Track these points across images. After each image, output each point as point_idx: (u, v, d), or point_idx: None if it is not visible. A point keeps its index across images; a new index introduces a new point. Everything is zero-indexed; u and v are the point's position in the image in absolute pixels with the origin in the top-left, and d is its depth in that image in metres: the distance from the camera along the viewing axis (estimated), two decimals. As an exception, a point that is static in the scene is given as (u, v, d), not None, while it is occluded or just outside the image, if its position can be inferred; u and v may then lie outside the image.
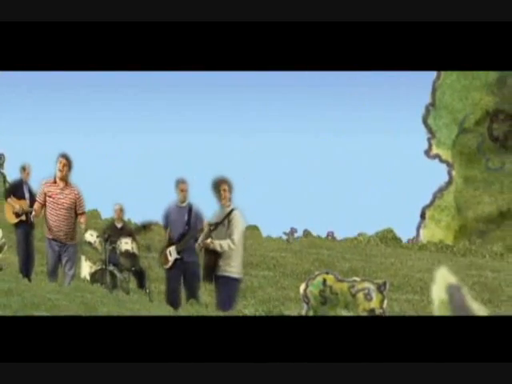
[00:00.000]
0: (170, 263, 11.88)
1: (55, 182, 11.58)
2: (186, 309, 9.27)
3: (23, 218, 13.30)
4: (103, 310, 9.79)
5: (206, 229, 10.81)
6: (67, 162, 11.47)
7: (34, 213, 11.95)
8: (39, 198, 11.76)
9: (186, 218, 11.80)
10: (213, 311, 9.12)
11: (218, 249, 10.33)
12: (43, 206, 11.64)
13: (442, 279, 1.40)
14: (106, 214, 17.09)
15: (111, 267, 12.64)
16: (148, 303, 10.03)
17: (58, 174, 11.51)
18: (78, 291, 10.60)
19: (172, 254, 11.85)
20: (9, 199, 13.62)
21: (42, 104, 54.98)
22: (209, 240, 10.39)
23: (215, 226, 10.55)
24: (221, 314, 8.49)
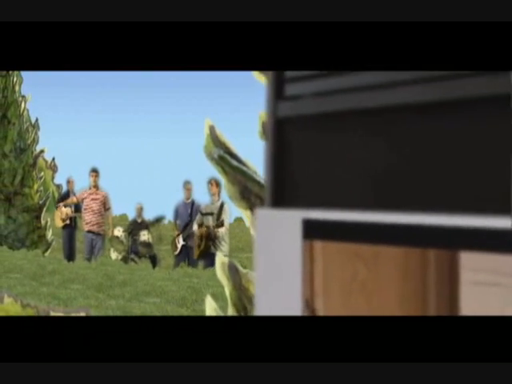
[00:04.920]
0: (178, 250, 14.93)
1: (90, 188, 16.11)
2: (177, 270, 12.29)
3: (68, 222, 16.98)
4: (119, 278, 12.87)
5: (198, 216, 13.90)
6: (97, 174, 16.09)
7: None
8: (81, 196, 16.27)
9: (189, 211, 14.86)
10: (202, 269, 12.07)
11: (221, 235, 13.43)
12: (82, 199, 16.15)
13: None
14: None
15: (132, 255, 15.73)
16: (151, 269, 13.08)
17: (92, 184, 16.05)
18: (102, 265, 13.78)
19: (179, 241, 14.90)
20: (59, 208, 17.13)
21: (53, 105, 56.98)
22: (217, 229, 13.40)
23: (211, 215, 13.60)
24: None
